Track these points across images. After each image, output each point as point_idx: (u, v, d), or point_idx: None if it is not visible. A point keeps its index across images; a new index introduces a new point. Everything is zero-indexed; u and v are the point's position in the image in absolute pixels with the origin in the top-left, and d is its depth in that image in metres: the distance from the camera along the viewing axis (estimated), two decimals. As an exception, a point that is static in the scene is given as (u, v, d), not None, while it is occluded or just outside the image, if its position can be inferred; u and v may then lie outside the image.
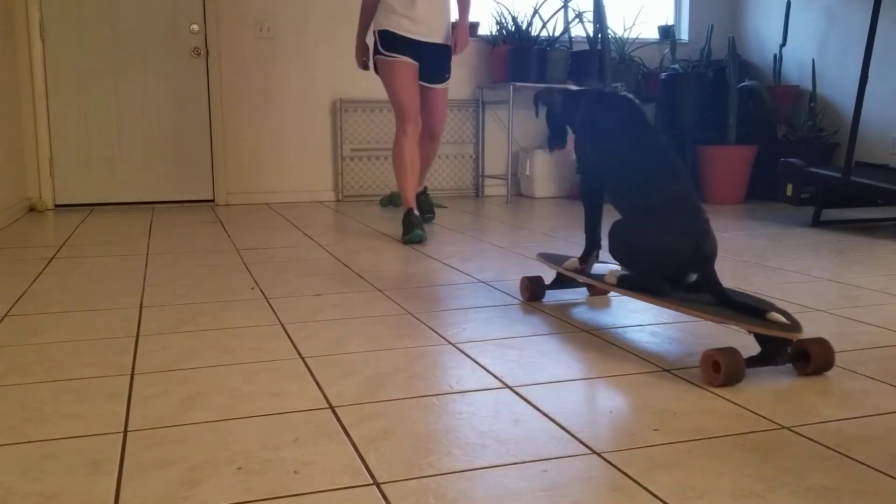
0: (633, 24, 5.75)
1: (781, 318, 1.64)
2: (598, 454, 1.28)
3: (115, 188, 5.08)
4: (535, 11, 5.44)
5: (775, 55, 5.43)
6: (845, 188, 3.87)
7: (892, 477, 1.19)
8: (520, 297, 2.44)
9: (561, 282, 2.40)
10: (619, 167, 2.06)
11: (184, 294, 2.51)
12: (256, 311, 2.28)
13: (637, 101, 2.12)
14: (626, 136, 2.07)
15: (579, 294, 2.48)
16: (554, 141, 2.32)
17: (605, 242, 2.13)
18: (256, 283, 2.66)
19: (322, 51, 5.25)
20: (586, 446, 1.31)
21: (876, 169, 4.27)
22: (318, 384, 1.63)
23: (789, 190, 4.32)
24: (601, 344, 1.93)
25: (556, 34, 5.51)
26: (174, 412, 1.48)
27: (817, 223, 4.02)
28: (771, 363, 1.66)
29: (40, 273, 2.87)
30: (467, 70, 5.56)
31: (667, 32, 5.74)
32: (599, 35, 5.41)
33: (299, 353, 1.85)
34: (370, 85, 5.36)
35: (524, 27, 5.42)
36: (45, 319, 2.20)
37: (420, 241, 3.48)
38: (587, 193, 2.24)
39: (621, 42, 5.61)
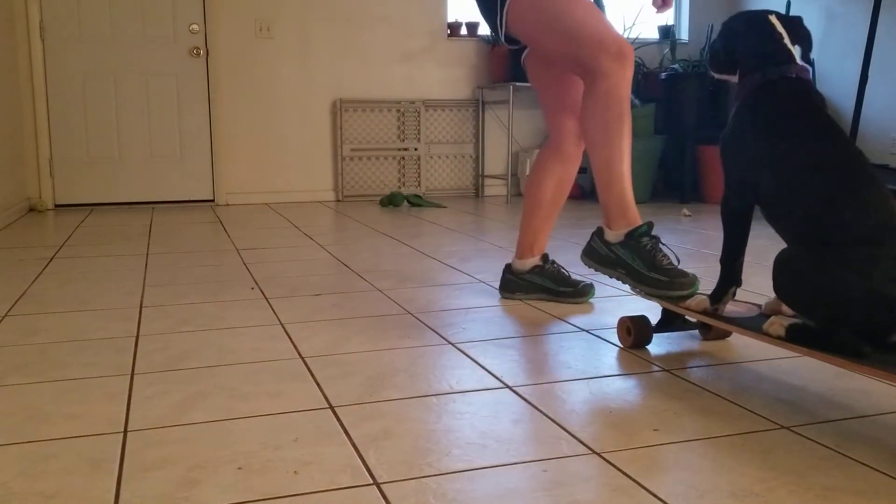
0: (633, 24, 5.75)
1: None
2: (598, 454, 1.28)
3: (115, 188, 5.08)
4: (535, 11, 5.44)
5: (775, 55, 5.42)
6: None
7: (892, 477, 1.19)
8: (632, 344, 1.88)
9: (674, 322, 1.91)
10: (797, 178, 1.48)
11: (184, 294, 2.51)
12: (256, 311, 2.28)
13: (816, 90, 1.56)
14: (805, 138, 1.50)
15: (691, 337, 1.97)
16: (723, 65, 1.69)
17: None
18: (256, 283, 2.66)
19: (322, 51, 5.25)
20: (586, 446, 1.31)
21: (876, 169, 4.27)
22: (318, 384, 1.63)
23: (789, 190, 4.32)
24: (601, 344, 1.92)
25: (556, 34, 5.51)
26: (174, 412, 1.48)
27: (817, 223, 4.01)
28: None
29: (40, 273, 2.87)
30: (467, 70, 5.57)
31: (667, 32, 5.74)
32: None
33: (299, 353, 1.85)
34: (370, 85, 5.37)
35: (524, 27, 5.41)
36: (45, 319, 2.20)
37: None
38: (732, 212, 1.64)
39: (621, 42, 5.61)
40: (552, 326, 2.09)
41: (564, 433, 1.37)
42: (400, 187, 5.52)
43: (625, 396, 1.55)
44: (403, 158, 5.54)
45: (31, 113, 4.85)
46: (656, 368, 1.73)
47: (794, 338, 1.48)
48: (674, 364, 1.76)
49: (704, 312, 1.73)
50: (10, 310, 2.32)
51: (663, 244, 1.93)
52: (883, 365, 1.30)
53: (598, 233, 2.00)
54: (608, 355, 1.83)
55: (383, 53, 5.39)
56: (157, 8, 5.00)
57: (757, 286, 2.58)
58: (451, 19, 5.52)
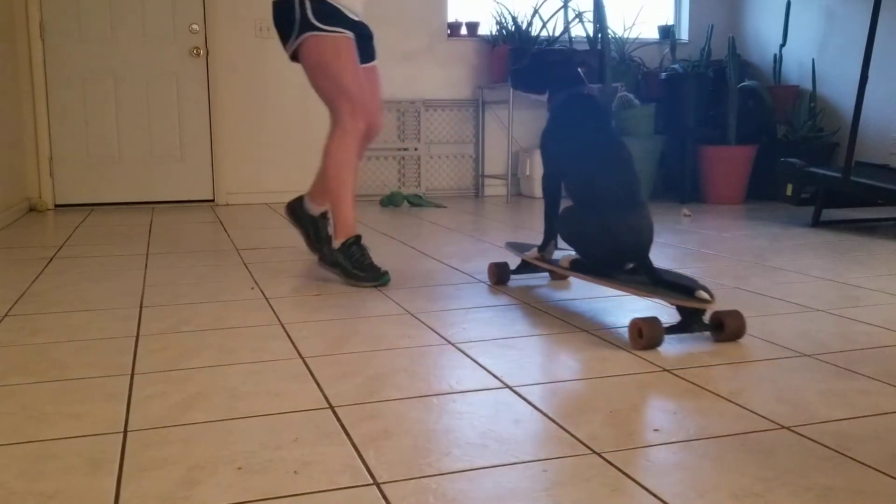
0: (633, 24, 5.75)
1: (706, 296, 1.91)
2: (598, 454, 1.28)
3: (115, 188, 5.09)
4: (535, 11, 5.44)
5: (775, 55, 5.43)
6: (845, 188, 3.87)
7: (892, 477, 1.19)
8: (494, 282, 2.65)
9: (525, 267, 2.64)
10: (580, 162, 2.24)
11: (184, 294, 2.51)
12: (256, 311, 2.28)
13: (602, 102, 2.22)
14: (588, 135, 2.26)
15: (543, 279, 2.71)
16: (527, 83, 2.46)
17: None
18: (256, 283, 2.66)
19: (322, 51, 5.24)
20: (586, 446, 1.31)
21: (876, 169, 4.27)
22: (318, 384, 1.63)
23: (789, 190, 4.32)
24: (601, 344, 1.92)
25: (556, 34, 5.51)
26: (174, 412, 1.48)
27: (817, 223, 4.02)
28: (689, 331, 1.95)
29: (40, 273, 2.87)
30: (467, 70, 5.57)
31: (667, 32, 5.74)
32: (599, 35, 5.41)
33: (299, 353, 1.85)
34: (370, 85, 5.37)
35: (524, 27, 5.42)
36: (45, 319, 2.20)
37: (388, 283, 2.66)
38: (548, 187, 2.45)
39: (621, 42, 5.62)
40: (552, 326, 2.09)
41: (564, 433, 1.37)
42: (400, 187, 5.52)
43: (625, 396, 1.55)
44: (403, 158, 5.54)
45: (31, 113, 4.86)
46: (656, 368, 1.73)
47: (575, 268, 2.27)
48: (674, 364, 1.76)
49: (536, 259, 2.52)
50: (10, 310, 2.32)
51: (367, 247, 2.68)
52: (621, 282, 2.09)
53: (329, 242, 2.77)
54: (608, 355, 1.83)
55: (383, 53, 5.36)
56: (157, 8, 5.00)
57: (757, 286, 2.58)
58: (451, 19, 5.52)
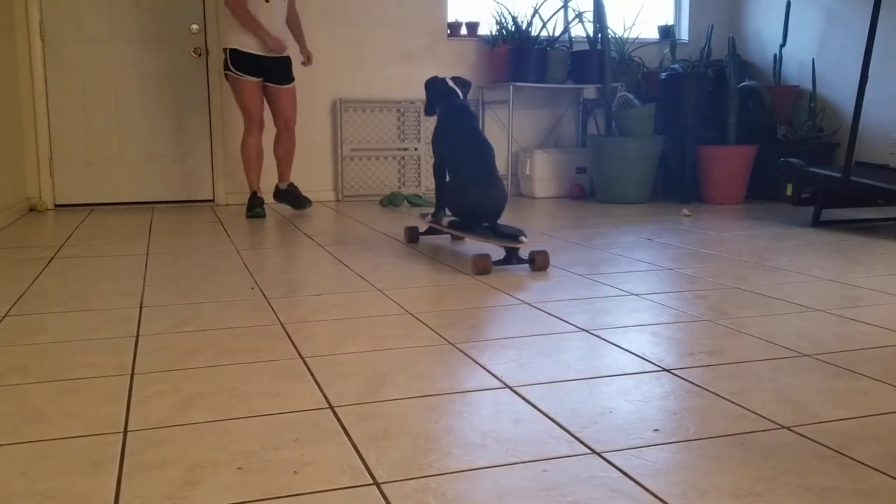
0: (633, 24, 5.75)
1: (524, 240, 2.83)
2: (598, 454, 1.28)
3: (115, 188, 5.09)
4: (535, 11, 5.44)
5: (775, 55, 5.43)
6: (845, 188, 3.87)
7: (892, 477, 1.19)
8: (402, 240, 3.54)
9: (430, 231, 3.57)
10: (453, 151, 3.15)
11: (184, 294, 2.51)
12: (256, 311, 2.28)
13: (471, 109, 3.34)
14: (458, 133, 3.19)
15: (445, 239, 3.60)
16: (429, 110, 3.50)
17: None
18: (256, 283, 2.66)
19: (322, 51, 5.24)
20: (586, 446, 1.31)
21: (876, 169, 4.27)
22: (318, 384, 1.63)
23: (789, 190, 4.32)
24: (601, 344, 1.93)
25: (556, 34, 5.51)
26: (174, 412, 1.48)
27: (817, 223, 4.02)
28: (510, 263, 2.89)
29: (40, 273, 2.87)
30: (467, 70, 5.56)
31: (667, 32, 5.74)
32: (599, 35, 5.41)
33: (299, 353, 1.85)
34: (370, 85, 5.37)
35: (524, 27, 5.42)
36: (45, 319, 2.20)
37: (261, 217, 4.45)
38: (438, 169, 3.37)
39: (621, 42, 5.61)
40: (552, 326, 2.09)
41: (564, 433, 1.37)
42: (400, 187, 5.52)
43: (625, 396, 1.55)
44: (403, 158, 5.54)
45: (31, 113, 4.85)
46: (656, 368, 1.73)
47: (451, 226, 3.20)
48: (674, 364, 1.76)
49: (431, 223, 3.42)
50: (10, 310, 2.32)
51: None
52: (477, 234, 2.99)
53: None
54: (608, 355, 1.83)
55: (383, 53, 5.39)
56: (157, 8, 5.00)
57: (757, 286, 2.58)
58: (451, 19, 5.52)
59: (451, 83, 3.44)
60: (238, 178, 5.22)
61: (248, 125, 4.42)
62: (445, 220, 3.25)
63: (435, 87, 3.46)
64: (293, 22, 4.54)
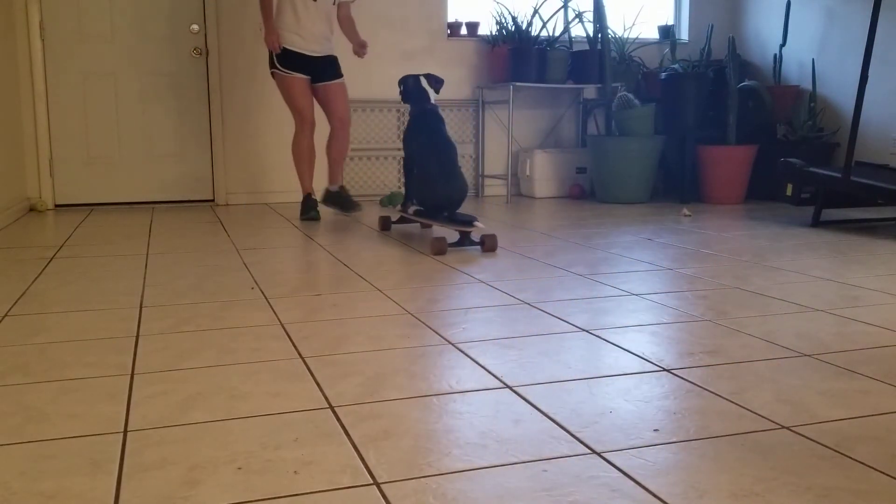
0: (633, 24, 5.75)
1: (479, 225, 3.28)
2: (598, 454, 1.28)
3: (115, 188, 5.09)
4: (535, 11, 5.44)
5: (775, 55, 5.43)
6: (845, 188, 3.87)
7: (892, 477, 1.19)
8: (380, 229, 3.97)
9: (400, 220, 3.96)
10: (421, 150, 3.56)
11: (184, 294, 2.51)
12: (256, 311, 2.28)
13: (439, 112, 3.69)
14: (426, 133, 3.59)
15: (416, 227, 3.98)
16: (404, 100, 3.85)
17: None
18: (256, 283, 2.66)
19: (322, 51, 5.24)
20: (586, 446, 1.31)
21: (876, 169, 4.27)
22: (318, 384, 1.63)
23: (789, 190, 4.32)
24: (601, 344, 1.93)
25: (556, 34, 5.51)
26: (174, 412, 1.48)
27: (817, 223, 4.02)
28: (463, 245, 3.35)
29: (40, 273, 2.87)
30: (467, 70, 5.57)
31: (667, 32, 5.74)
32: (599, 35, 5.41)
33: (299, 353, 1.85)
34: (370, 85, 5.37)
35: (524, 27, 5.42)
36: (45, 319, 2.20)
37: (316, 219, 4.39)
38: (407, 164, 3.81)
39: (621, 42, 5.61)
40: (552, 326, 2.09)
41: (564, 433, 1.37)
42: (400, 187, 5.52)
43: (625, 396, 1.55)
44: (403, 158, 5.53)
45: (31, 113, 4.85)
46: (656, 368, 1.73)
47: (417, 214, 3.58)
48: (674, 364, 1.76)
49: (401, 213, 3.84)
50: (10, 310, 2.32)
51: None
52: (439, 221, 3.44)
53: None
54: (608, 355, 1.83)
55: (383, 53, 5.39)
56: (157, 8, 5.00)
57: (757, 286, 2.58)
58: (451, 19, 5.52)
59: (423, 82, 3.74)
60: (238, 177, 5.22)
61: (300, 124, 4.30)
62: (412, 209, 3.61)
63: (407, 85, 3.79)
64: (346, 26, 4.36)
